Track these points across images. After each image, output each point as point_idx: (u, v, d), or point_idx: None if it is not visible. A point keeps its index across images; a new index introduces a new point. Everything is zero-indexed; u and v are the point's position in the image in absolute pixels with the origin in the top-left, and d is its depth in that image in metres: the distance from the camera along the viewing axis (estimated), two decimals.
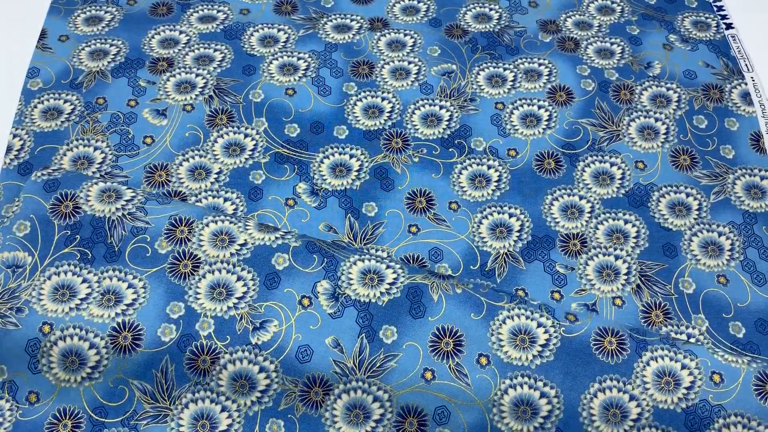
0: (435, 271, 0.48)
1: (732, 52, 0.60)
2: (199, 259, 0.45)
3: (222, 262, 0.45)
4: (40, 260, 0.45)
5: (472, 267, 0.49)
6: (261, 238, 0.46)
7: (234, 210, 0.50)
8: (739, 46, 0.60)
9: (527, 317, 0.44)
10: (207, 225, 0.46)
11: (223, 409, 0.43)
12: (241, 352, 0.43)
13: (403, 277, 0.45)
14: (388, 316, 0.44)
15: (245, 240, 0.46)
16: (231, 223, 0.47)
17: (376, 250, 0.49)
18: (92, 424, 0.43)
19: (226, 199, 0.50)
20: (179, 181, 0.51)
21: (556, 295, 0.48)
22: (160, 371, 0.43)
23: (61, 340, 0.43)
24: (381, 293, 0.45)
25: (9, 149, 0.51)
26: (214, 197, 0.51)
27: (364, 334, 0.44)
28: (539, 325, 0.44)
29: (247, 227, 0.47)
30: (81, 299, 0.44)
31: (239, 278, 0.45)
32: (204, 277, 0.45)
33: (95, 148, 0.52)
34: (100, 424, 0.43)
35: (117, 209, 0.46)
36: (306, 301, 0.44)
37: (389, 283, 0.45)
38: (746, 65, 0.59)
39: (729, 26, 0.62)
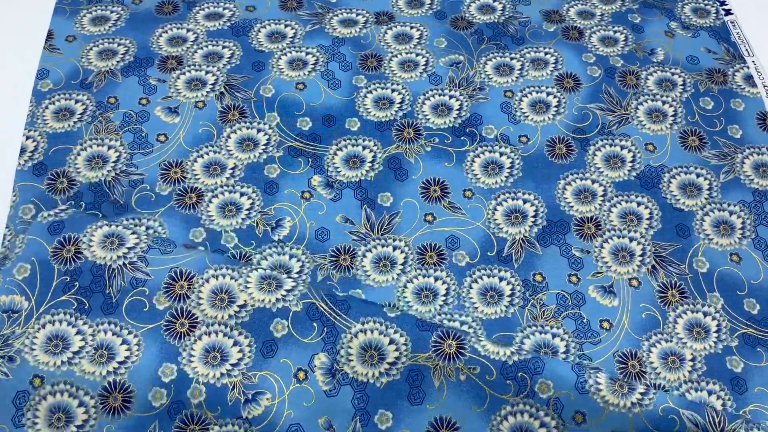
0: (444, 340, 0.43)
1: (732, 38, 0.61)
2: (197, 318, 0.44)
3: (219, 324, 0.44)
4: (37, 306, 0.43)
5: (489, 254, 0.50)
6: (261, 299, 0.44)
7: (251, 204, 0.50)
8: (738, 31, 0.61)
9: (531, 415, 0.42)
10: (207, 281, 0.45)
11: None
12: (231, 426, 0.42)
13: (405, 356, 0.43)
14: (385, 399, 0.42)
15: (245, 301, 0.44)
16: (232, 279, 0.45)
17: (394, 240, 0.50)
18: None
19: (242, 194, 0.51)
20: (195, 178, 0.51)
21: (573, 278, 0.49)
22: None
23: (50, 395, 0.41)
24: (380, 373, 0.43)
25: (23, 151, 0.50)
26: (230, 192, 0.51)
27: (358, 417, 0.42)
28: (542, 425, 0.41)
29: (248, 284, 0.45)
30: (74, 352, 0.42)
31: (235, 343, 0.43)
32: (200, 338, 0.43)
33: (109, 147, 0.52)
34: None
35: (119, 257, 0.45)
36: (302, 375, 0.43)
37: (390, 363, 0.43)
38: (747, 50, 0.60)
39: (728, 12, 0.63)
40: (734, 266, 0.50)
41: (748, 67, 0.58)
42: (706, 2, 0.63)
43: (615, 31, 0.61)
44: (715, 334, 0.47)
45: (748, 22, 0.62)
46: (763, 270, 0.50)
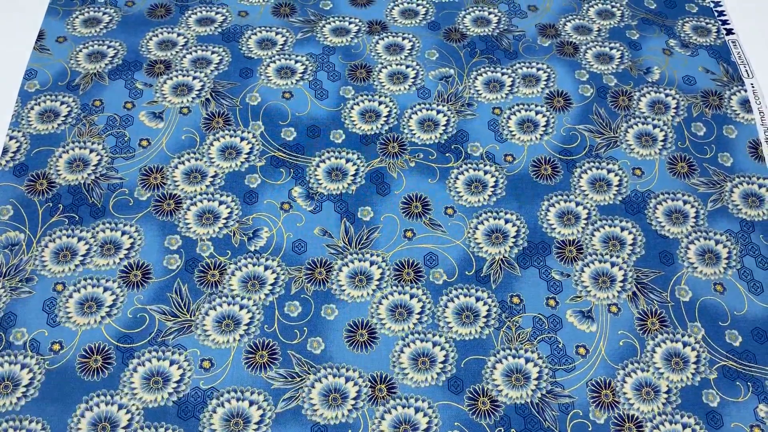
0: None
1: (732, 58, 0.59)
2: None
3: None
4: (33, 234, 0.48)
5: (467, 273, 0.49)
6: None
7: (229, 213, 0.50)
8: (739, 51, 0.60)
9: None
10: None
11: (242, 308, 0.47)
12: None
13: None
14: None
15: None
16: None
17: (371, 255, 0.49)
18: (121, 352, 0.45)
19: (221, 203, 0.50)
20: (174, 184, 0.51)
21: (551, 302, 0.48)
22: (174, 293, 0.47)
23: (76, 293, 0.46)
24: None
25: (5, 151, 0.51)
26: (209, 200, 0.50)
27: None
28: None
29: None
30: (83, 255, 0.47)
31: None
32: None
33: (91, 150, 0.52)
34: (128, 350, 0.45)
35: None
36: None
37: None
38: (746, 71, 0.59)
39: (729, 32, 0.61)
40: (718, 296, 0.49)
41: (745, 90, 0.57)
42: (707, 20, 0.62)
43: (611, 48, 0.59)
44: (694, 366, 0.46)
45: (750, 43, 0.61)
46: (748, 302, 0.49)
